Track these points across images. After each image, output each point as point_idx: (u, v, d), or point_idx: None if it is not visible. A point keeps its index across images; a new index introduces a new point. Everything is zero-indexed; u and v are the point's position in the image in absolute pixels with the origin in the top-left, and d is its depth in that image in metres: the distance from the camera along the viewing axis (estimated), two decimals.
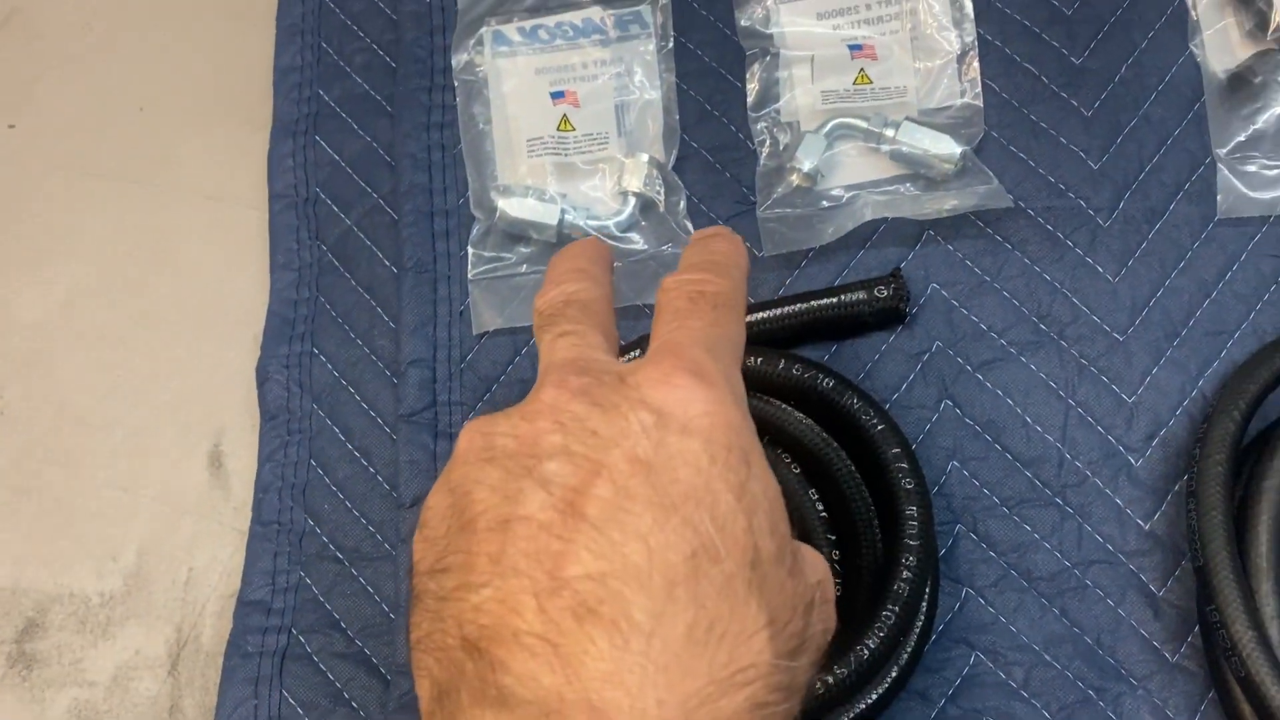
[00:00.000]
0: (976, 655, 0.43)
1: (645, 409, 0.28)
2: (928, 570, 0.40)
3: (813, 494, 0.44)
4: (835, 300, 0.45)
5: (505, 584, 0.26)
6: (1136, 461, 0.44)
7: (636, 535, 0.26)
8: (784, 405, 0.43)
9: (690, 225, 0.49)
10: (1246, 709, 0.39)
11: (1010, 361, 0.46)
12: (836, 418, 0.42)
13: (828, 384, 0.42)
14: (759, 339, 0.45)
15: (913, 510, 0.40)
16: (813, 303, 0.45)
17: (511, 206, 0.47)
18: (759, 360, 0.43)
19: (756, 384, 0.43)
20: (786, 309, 0.45)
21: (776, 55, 0.50)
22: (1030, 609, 0.43)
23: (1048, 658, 0.42)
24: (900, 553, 0.39)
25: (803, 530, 0.44)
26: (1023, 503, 0.44)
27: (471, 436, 0.29)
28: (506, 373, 0.48)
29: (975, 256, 0.47)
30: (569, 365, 0.30)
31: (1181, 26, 0.49)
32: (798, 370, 0.42)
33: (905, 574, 0.39)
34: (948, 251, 0.47)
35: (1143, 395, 0.45)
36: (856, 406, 0.42)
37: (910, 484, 0.40)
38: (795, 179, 0.48)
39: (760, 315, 0.45)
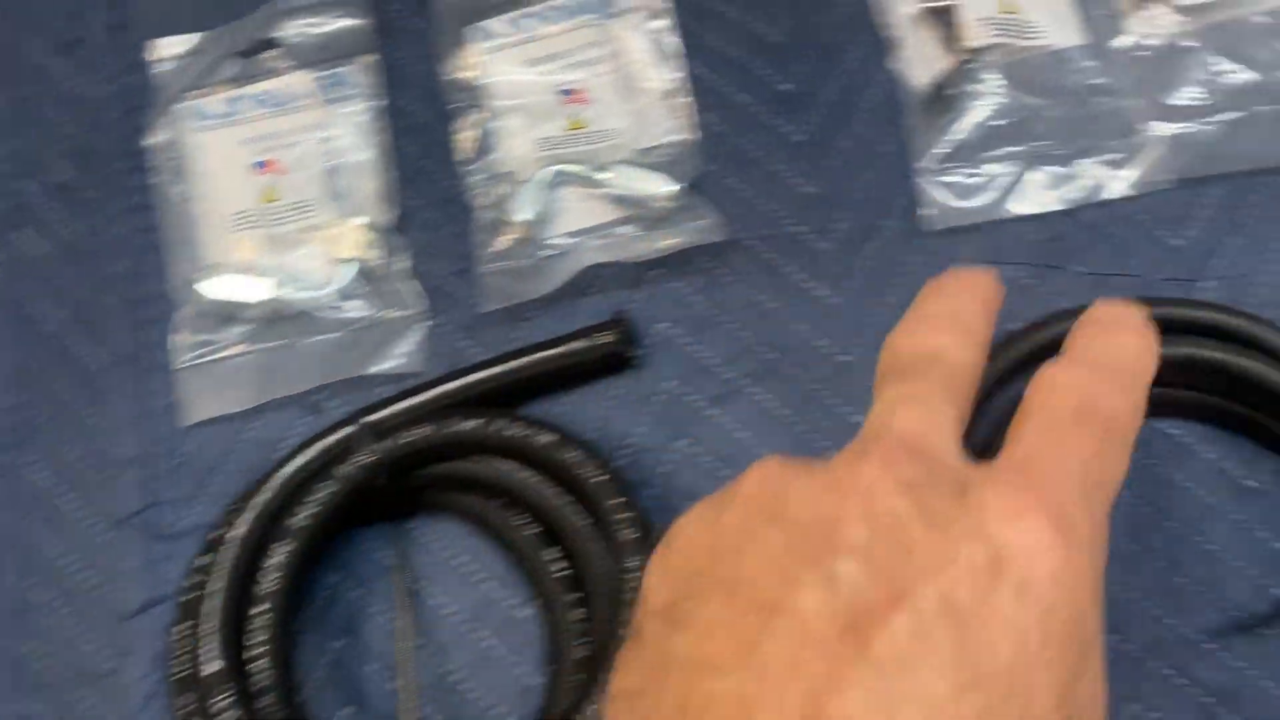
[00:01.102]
0: None
1: (981, 543, 0.22)
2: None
3: (550, 553, 0.43)
4: (556, 352, 0.44)
5: (753, 684, 0.21)
6: None
7: (922, 699, 0.21)
8: (508, 463, 0.42)
9: (414, 287, 0.47)
10: None
11: (741, 395, 0.45)
12: (559, 474, 0.41)
13: (545, 440, 0.41)
14: (482, 400, 0.44)
15: (635, 562, 0.39)
16: (534, 356, 0.44)
17: (212, 287, 0.44)
18: (473, 422, 0.41)
19: (474, 447, 0.42)
20: (507, 366, 0.44)
21: (487, 106, 0.49)
22: None
23: None
24: (622, 610, 0.38)
25: (542, 592, 0.42)
26: None
27: (765, 478, 0.25)
28: (226, 462, 0.46)
29: (700, 292, 0.47)
30: (905, 442, 0.25)
31: (884, 44, 0.49)
32: (516, 429, 0.41)
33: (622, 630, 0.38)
34: (672, 290, 0.47)
35: None
36: (575, 459, 0.41)
37: (631, 534, 0.39)
38: (514, 231, 0.47)
39: (481, 375, 0.43)
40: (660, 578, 0.25)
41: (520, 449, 0.41)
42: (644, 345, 0.46)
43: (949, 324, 0.29)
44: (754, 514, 0.24)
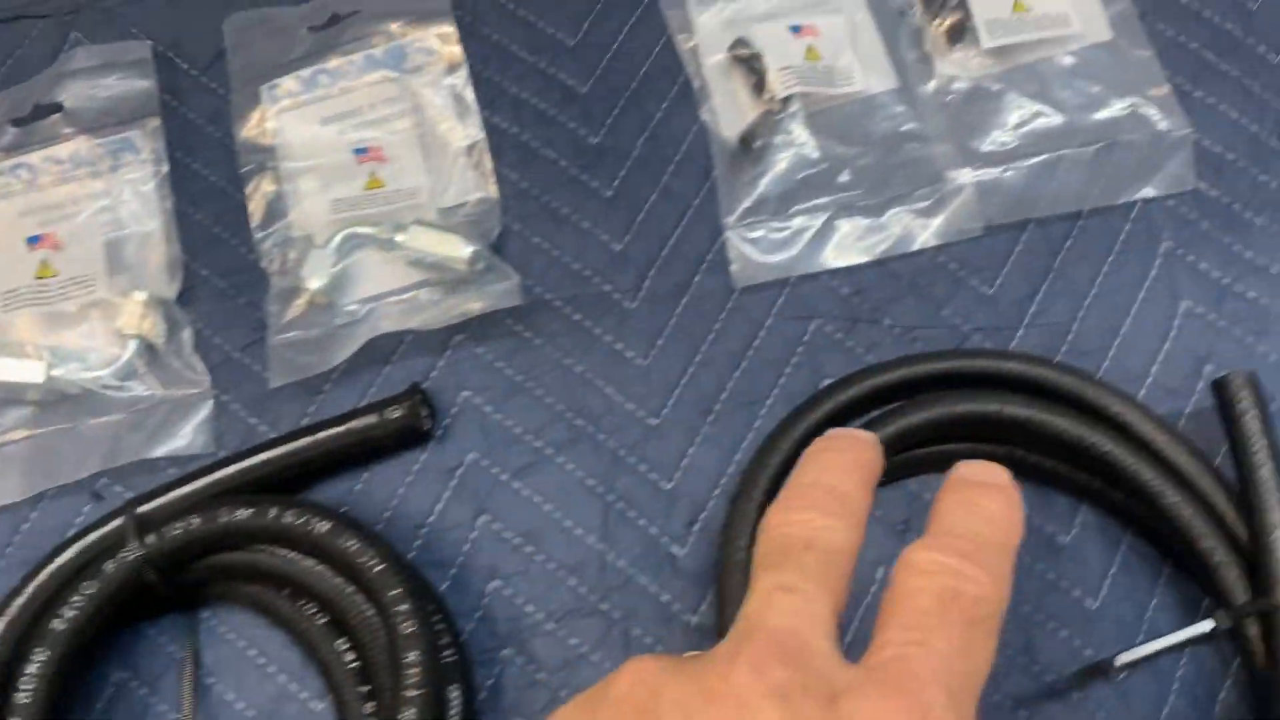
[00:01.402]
0: None
1: None
2: (430, 714, 0.36)
3: (340, 644, 0.41)
4: (345, 429, 0.42)
5: None
6: (680, 551, 0.42)
7: None
8: (291, 551, 0.40)
9: (199, 363, 0.45)
10: None
11: (547, 464, 0.43)
12: (338, 562, 0.39)
13: (322, 528, 0.39)
14: (268, 482, 0.42)
15: (412, 656, 0.37)
16: (321, 435, 0.42)
17: None
18: (246, 511, 0.39)
19: (250, 536, 0.39)
20: (290, 447, 0.41)
21: (281, 167, 0.47)
22: None
23: None
24: (400, 706, 0.36)
25: (333, 685, 0.40)
26: (569, 614, 0.42)
27: (637, 682, 0.24)
28: (2, 557, 0.43)
29: (506, 357, 0.45)
30: (778, 642, 0.24)
31: (693, 94, 0.48)
32: (291, 517, 0.39)
33: None
34: (477, 355, 0.45)
35: (680, 480, 0.43)
36: (353, 548, 0.39)
37: (410, 628, 0.37)
38: (307, 299, 0.45)
39: (263, 458, 0.41)
40: None
41: (298, 538, 0.39)
42: (446, 415, 0.44)
43: (826, 500, 0.28)
44: (624, 716, 0.24)
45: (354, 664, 0.40)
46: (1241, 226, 0.45)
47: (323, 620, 0.40)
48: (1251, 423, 0.40)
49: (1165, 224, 0.46)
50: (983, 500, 0.28)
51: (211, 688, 0.41)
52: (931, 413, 0.41)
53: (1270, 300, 0.44)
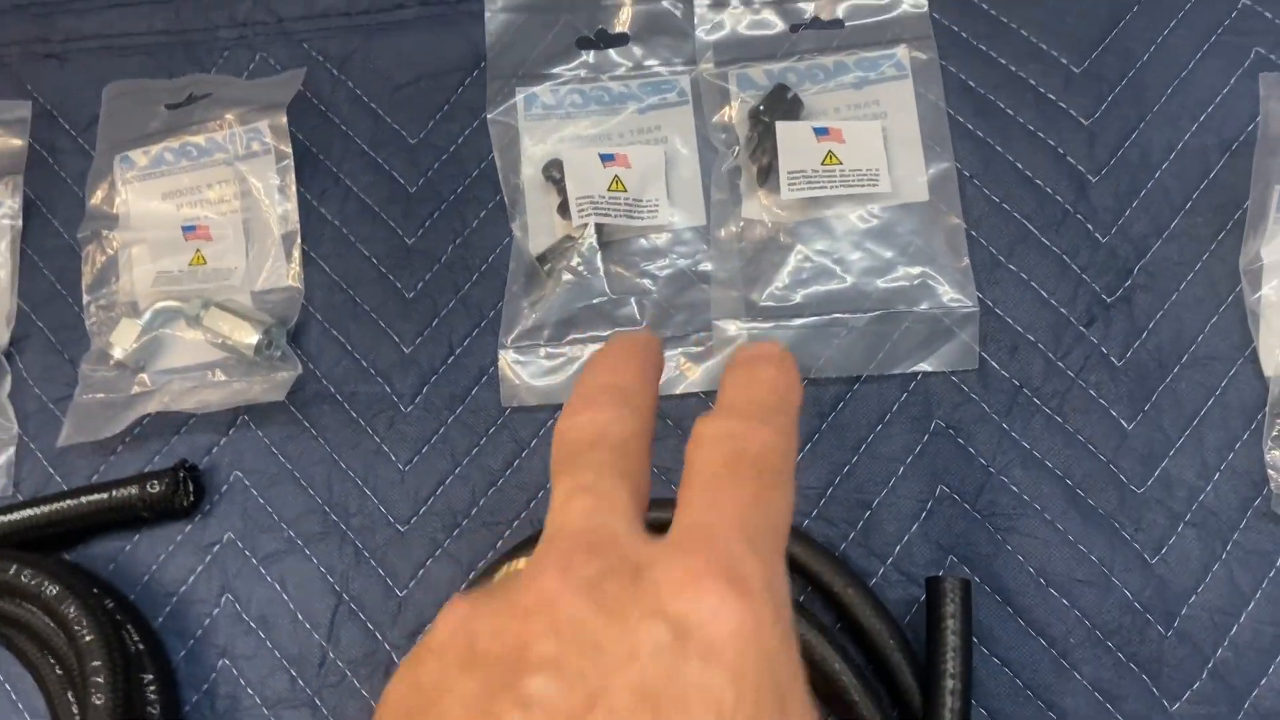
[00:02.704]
0: None
1: (662, 621, 0.23)
2: None
3: (71, 697, 0.43)
4: (106, 496, 0.45)
5: None
6: (398, 658, 0.44)
7: None
8: (27, 605, 0.43)
9: (10, 410, 0.49)
10: None
11: (294, 553, 0.45)
12: (62, 625, 0.42)
13: (51, 591, 0.42)
14: (36, 536, 0.45)
15: None
16: (83, 499, 0.45)
17: None
18: None
19: None
20: (57, 505, 0.45)
21: (119, 235, 0.49)
22: None
23: None
24: None
25: None
26: (280, 703, 0.43)
27: (453, 627, 0.24)
28: None
29: (282, 443, 0.47)
30: (580, 540, 0.25)
31: (508, 209, 0.49)
32: (26, 577, 0.42)
33: None
34: (257, 438, 0.47)
35: (413, 590, 0.44)
36: (71, 615, 0.41)
37: (99, 699, 0.40)
38: (112, 364, 0.48)
39: (28, 513, 0.44)
40: None
41: (30, 596, 0.42)
42: (216, 492, 0.47)
43: (609, 398, 0.29)
44: (448, 664, 0.24)
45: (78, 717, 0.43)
46: (1022, 412, 0.44)
47: (59, 673, 0.44)
48: (946, 632, 0.39)
49: (942, 400, 0.44)
50: (760, 371, 0.29)
51: None
52: None
53: (1031, 496, 0.42)
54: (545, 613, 0.23)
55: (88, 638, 0.41)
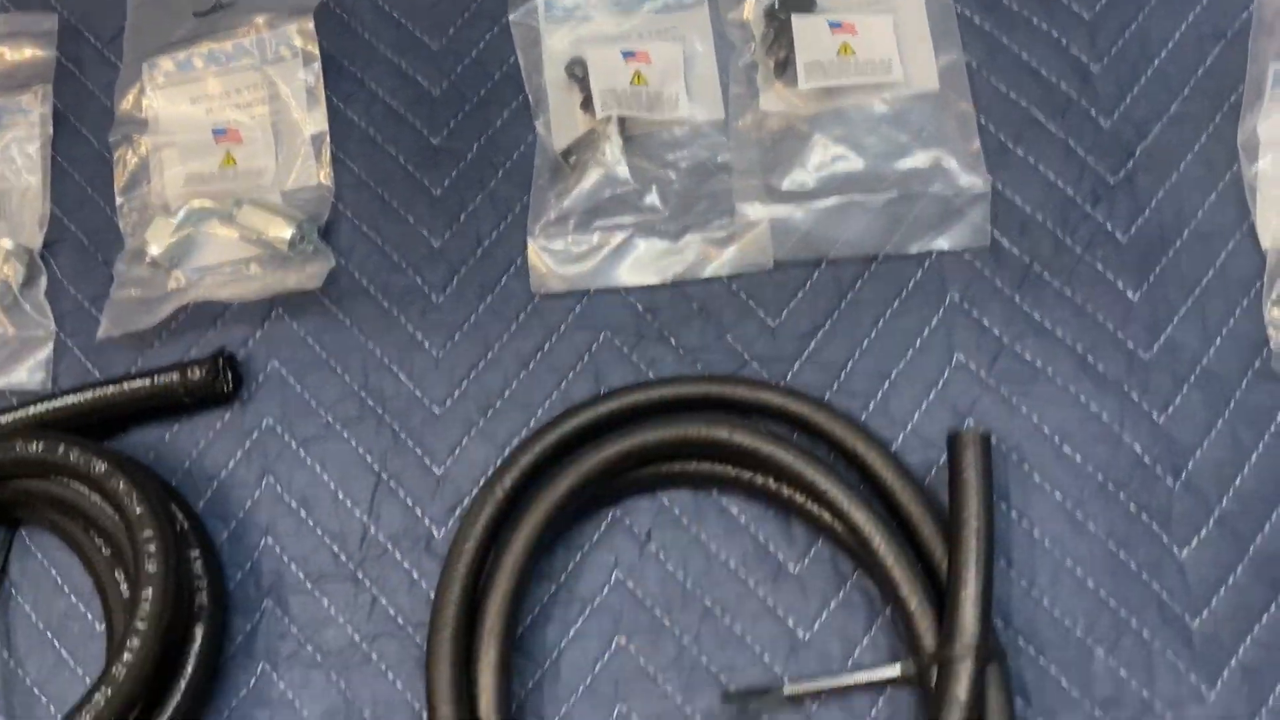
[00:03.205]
0: None
1: None
2: (153, 649, 0.40)
3: (119, 574, 0.45)
4: (148, 383, 0.46)
5: None
6: (439, 533, 0.45)
7: None
8: (83, 486, 0.44)
9: (47, 309, 0.50)
10: None
11: (333, 437, 0.47)
12: (111, 500, 0.43)
13: (99, 468, 0.42)
14: (79, 424, 0.46)
15: (147, 593, 0.41)
16: (125, 386, 0.46)
17: None
18: (39, 445, 0.43)
19: (44, 468, 0.44)
20: (100, 392, 0.46)
21: (149, 140, 0.51)
22: (316, 683, 0.44)
23: None
24: (129, 635, 0.40)
25: (107, 610, 0.44)
26: (324, 578, 0.45)
27: None
28: None
29: (317, 333, 0.48)
30: None
31: (531, 107, 0.50)
32: (75, 455, 0.43)
33: (126, 655, 0.40)
34: (291, 330, 0.49)
35: (450, 467, 0.46)
36: (121, 489, 0.42)
37: (152, 567, 0.41)
38: (148, 261, 0.49)
39: (70, 400, 0.46)
40: None
41: (80, 474, 0.43)
42: (254, 381, 0.48)
43: None
44: None
45: (127, 595, 0.44)
46: (1033, 287, 0.46)
47: (107, 551, 0.45)
48: (969, 479, 0.41)
49: (956, 277, 0.46)
50: None
51: (14, 596, 0.47)
52: (666, 434, 0.43)
53: (1044, 362, 0.45)
54: None
55: (138, 510, 0.42)
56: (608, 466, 0.43)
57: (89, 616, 0.46)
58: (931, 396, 0.45)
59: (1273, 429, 0.43)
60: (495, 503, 0.43)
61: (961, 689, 0.38)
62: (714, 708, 0.42)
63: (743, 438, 0.42)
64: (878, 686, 0.41)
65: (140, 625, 0.40)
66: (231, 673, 0.44)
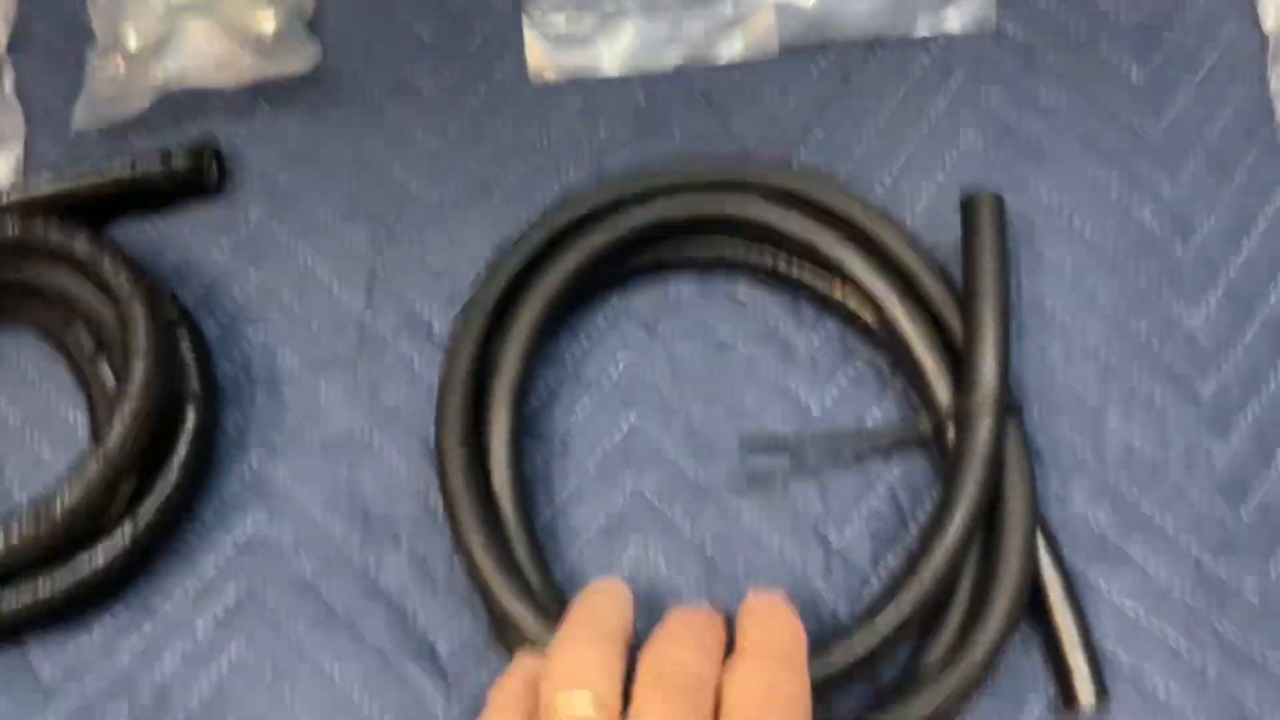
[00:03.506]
0: (255, 519, 0.42)
1: None
2: (145, 419, 0.39)
3: (103, 366, 0.43)
4: (129, 169, 0.44)
5: None
6: (438, 325, 0.44)
7: None
8: (63, 271, 0.42)
9: (16, 105, 0.47)
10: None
11: (324, 231, 0.45)
12: (97, 282, 0.41)
13: (83, 247, 0.41)
14: (56, 213, 0.44)
15: (137, 369, 0.39)
16: (104, 173, 0.44)
17: None
18: (18, 223, 0.41)
19: (22, 251, 0.42)
20: (78, 180, 0.44)
21: None
22: (315, 472, 0.42)
23: (320, 519, 0.41)
24: (121, 403, 0.38)
25: (90, 401, 0.43)
26: (320, 368, 0.43)
27: None
28: None
29: (304, 127, 0.46)
30: None
31: None
32: (55, 233, 0.41)
33: (117, 424, 0.38)
34: (277, 123, 0.47)
35: (449, 259, 0.44)
36: (108, 267, 0.40)
37: (142, 344, 0.39)
38: (125, 53, 0.47)
39: (48, 189, 0.43)
40: None
41: (62, 253, 0.41)
42: (240, 175, 0.46)
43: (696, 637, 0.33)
44: None
45: (113, 386, 0.42)
46: (1038, 68, 0.45)
47: (91, 344, 0.43)
48: (984, 240, 0.40)
49: (962, 59, 0.46)
50: (775, 626, 0.34)
51: None
52: (678, 208, 0.42)
53: (1053, 141, 0.44)
54: None
55: (126, 286, 0.40)
56: (617, 242, 0.42)
57: (70, 416, 0.44)
58: (940, 178, 0.44)
59: (1278, 200, 0.44)
60: (499, 286, 0.41)
61: (982, 439, 0.38)
62: (727, 476, 0.41)
63: (755, 209, 0.41)
64: (893, 449, 0.41)
65: (131, 394, 0.39)
66: (226, 465, 0.43)
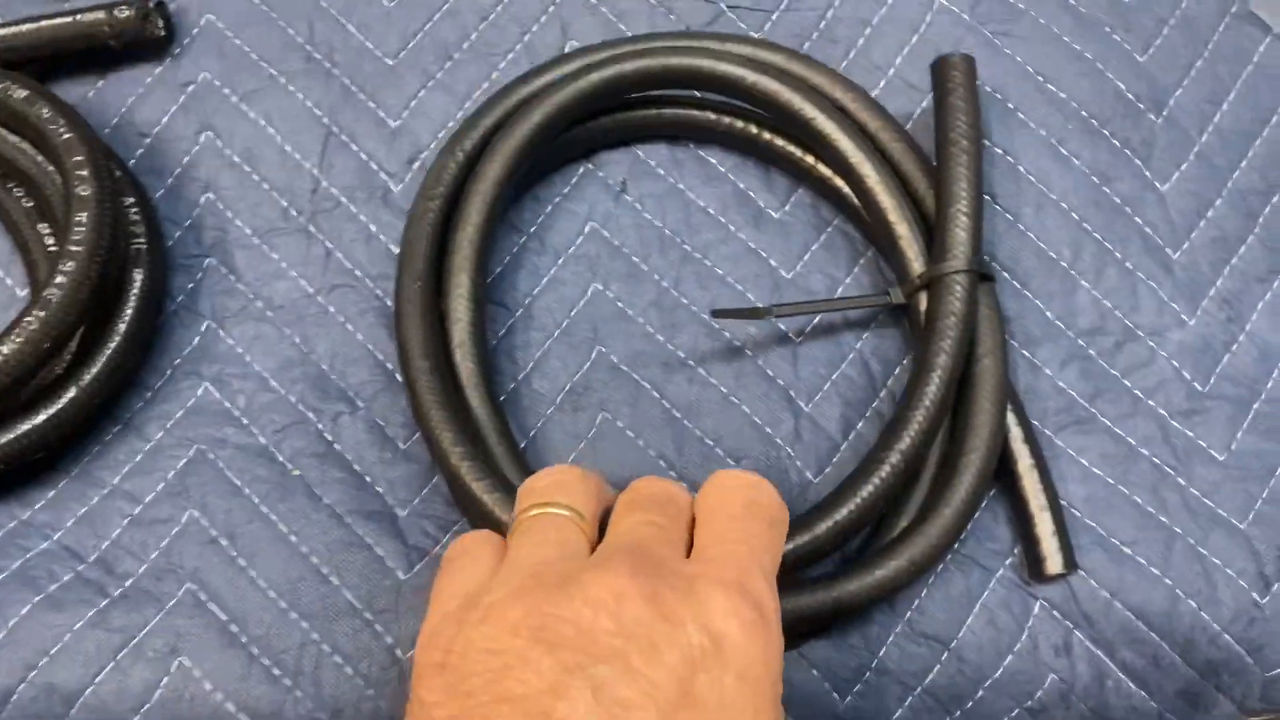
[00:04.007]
0: (205, 385, 0.40)
1: (708, 634, 0.27)
2: (89, 271, 0.37)
3: (43, 227, 0.41)
4: (70, 20, 0.42)
5: None
6: (396, 187, 0.42)
7: None
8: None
9: None
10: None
11: (277, 89, 0.43)
12: (33, 133, 0.39)
13: (18, 95, 0.39)
14: None
15: (81, 217, 0.37)
16: (43, 24, 0.41)
17: None
18: None
19: None
20: (13, 30, 0.41)
21: None
22: (268, 337, 0.41)
23: (273, 383, 0.40)
24: (62, 259, 0.36)
25: (29, 266, 0.40)
26: (272, 231, 0.42)
27: (528, 612, 0.27)
28: None
29: None
30: (644, 555, 0.29)
31: None
32: None
33: (59, 278, 0.36)
34: None
35: (407, 120, 0.43)
36: (45, 116, 0.38)
37: (85, 190, 0.37)
38: None
39: None
40: (440, 685, 0.27)
41: None
42: (188, 34, 0.44)
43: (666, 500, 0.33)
44: (523, 639, 0.27)
45: (53, 247, 0.40)
46: None
47: (29, 204, 0.41)
48: (956, 101, 0.39)
49: None
50: (743, 481, 0.34)
51: None
52: (643, 65, 0.40)
53: (1026, 4, 0.44)
54: (613, 608, 0.27)
55: (65, 135, 0.38)
56: (585, 97, 0.40)
57: (8, 281, 0.42)
58: (914, 40, 0.43)
59: (1250, 69, 0.43)
60: (468, 147, 0.40)
61: (956, 304, 0.37)
62: (697, 342, 0.40)
63: (727, 68, 0.40)
64: (865, 312, 0.40)
65: (74, 247, 0.37)
66: (174, 330, 0.41)
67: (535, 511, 0.30)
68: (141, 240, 0.40)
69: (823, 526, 0.35)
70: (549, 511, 0.29)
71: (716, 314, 0.39)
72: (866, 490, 0.36)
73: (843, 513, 0.35)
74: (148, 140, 0.43)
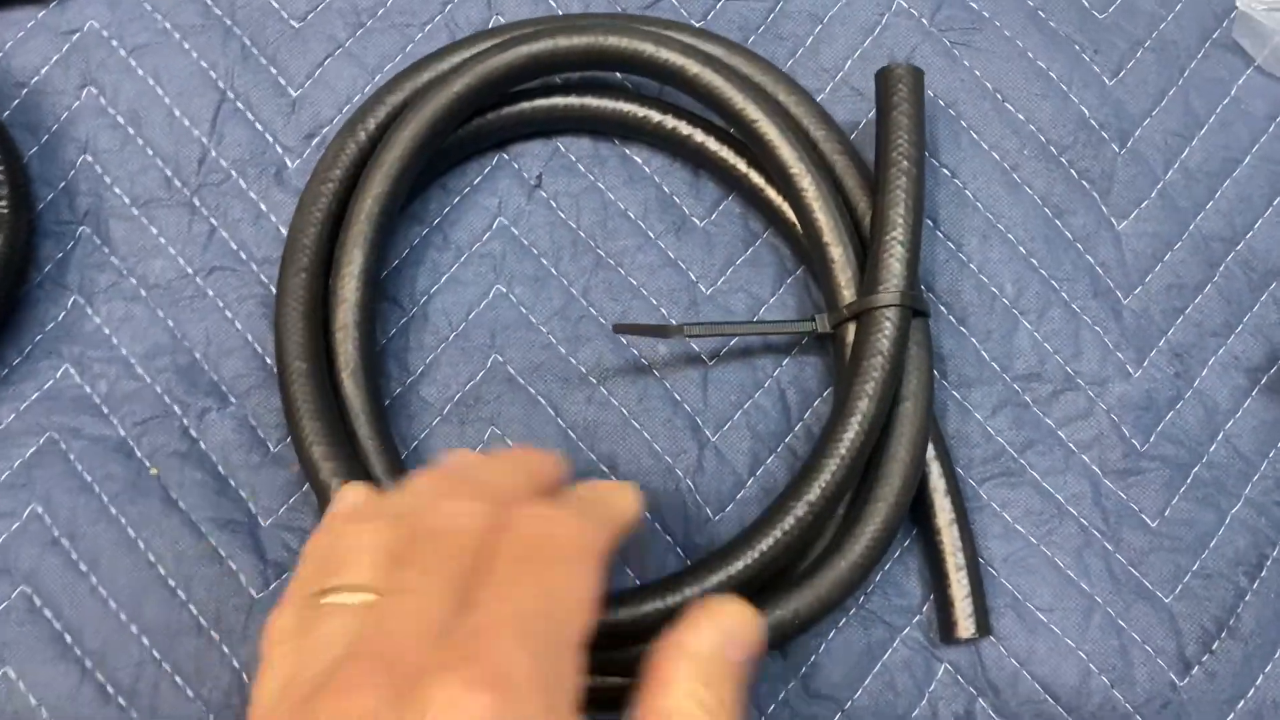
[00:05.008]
0: (65, 367, 0.37)
1: None
2: None
3: None
4: None
5: None
6: (292, 163, 0.39)
7: None
8: None
9: None
10: None
11: (169, 45, 0.40)
12: None
13: None
14: None
15: None
16: None
17: None
18: None
19: None
20: None
21: None
22: (138, 318, 0.37)
23: (139, 370, 0.37)
24: None
25: None
26: (152, 202, 0.38)
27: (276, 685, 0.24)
28: None
29: None
30: (376, 664, 0.23)
31: None
32: None
33: None
34: None
35: (309, 90, 0.39)
36: None
37: None
38: None
39: None
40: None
41: None
42: None
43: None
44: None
45: None
46: None
47: None
48: (900, 117, 0.36)
49: None
50: (599, 484, 0.31)
51: None
52: (584, 40, 0.37)
53: (992, 12, 0.40)
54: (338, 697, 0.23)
55: None
56: (510, 72, 0.36)
57: None
58: (866, 43, 0.40)
59: (1226, 101, 0.40)
60: (365, 135, 0.36)
61: (885, 343, 0.34)
62: (602, 358, 0.37)
63: (671, 55, 0.36)
64: (786, 340, 0.37)
65: None
66: (38, 303, 0.38)
67: (323, 600, 0.25)
68: (4, 202, 0.37)
69: (714, 580, 0.32)
70: (332, 601, 0.25)
71: (619, 329, 0.36)
72: (765, 544, 0.32)
73: (738, 567, 0.32)
74: (22, 91, 0.39)
